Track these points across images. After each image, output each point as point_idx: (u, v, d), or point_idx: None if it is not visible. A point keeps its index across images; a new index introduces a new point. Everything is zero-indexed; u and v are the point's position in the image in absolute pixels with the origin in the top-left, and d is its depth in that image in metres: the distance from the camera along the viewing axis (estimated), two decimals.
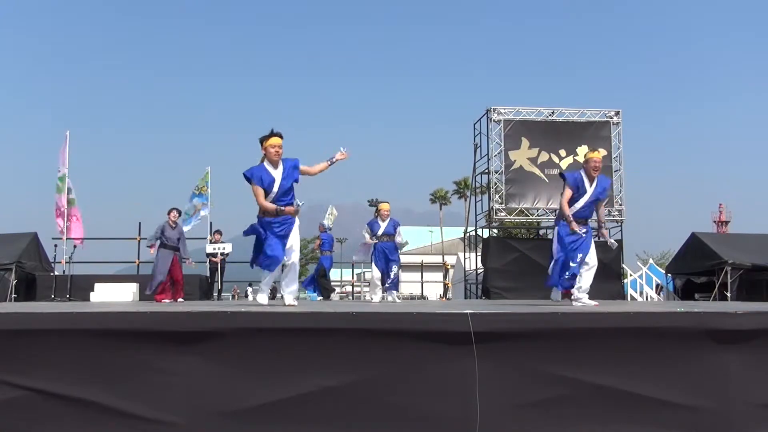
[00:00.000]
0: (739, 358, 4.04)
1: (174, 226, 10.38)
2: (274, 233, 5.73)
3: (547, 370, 3.91)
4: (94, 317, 4.04)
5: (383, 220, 9.98)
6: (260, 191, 5.72)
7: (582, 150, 15.09)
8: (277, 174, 5.77)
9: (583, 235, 6.30)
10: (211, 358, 3.84)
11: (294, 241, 5.86)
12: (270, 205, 5.71)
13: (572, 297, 6.41)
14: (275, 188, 5.74)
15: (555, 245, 6.47)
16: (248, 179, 5.77)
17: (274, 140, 5.76)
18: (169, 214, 10.45)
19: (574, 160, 15.66)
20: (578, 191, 6.38)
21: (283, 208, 5.73)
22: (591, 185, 6.38)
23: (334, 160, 6.08)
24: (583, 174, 6.42)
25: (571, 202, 6.41)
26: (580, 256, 6.26)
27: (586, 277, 6.34)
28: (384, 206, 10.13)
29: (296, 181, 5.86)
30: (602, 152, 6.48)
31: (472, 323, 3.82)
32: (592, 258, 6.34)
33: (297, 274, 6.04)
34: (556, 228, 6.50)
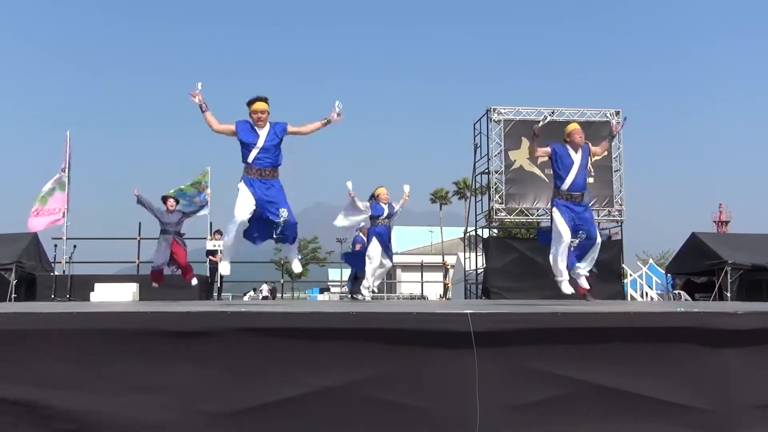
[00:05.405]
0: (739, 358, 4.03)
1: (172, 210, 10.49)
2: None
3: (547, 370, 3.91)
4: (94, 317, 4.04)
5: (385, 204, 10.10)
6: (213, 120, 5.68)
7: None
8: (262, 133, 5.67)
9: (583, 209, 6.32)
10: (211, 358, 3.84)
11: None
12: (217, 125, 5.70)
13: (574, 270, 6.37)
14: (255, 149, 5.64)
15: (554, 228, 6.29)
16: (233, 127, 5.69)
17: (257, 105, 5.66)
18: (165, 202, 10.54)
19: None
20: (563, 163, 6.43)
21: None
22: (576, 154, 6.47)
23: (327, 120, 5.89)
24: (568, 147, 6.51)
25: (559, 178, 6.44)
26: (582, 232, 6.27)
27: (591, 254, 6.39)
28: (382, 191, 10.19)
29: (281, 140, 5.74)
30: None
31: (472, 323, 3.81)
32: (594, 233, 6.37)
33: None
34: (553, 208, 6.40)
